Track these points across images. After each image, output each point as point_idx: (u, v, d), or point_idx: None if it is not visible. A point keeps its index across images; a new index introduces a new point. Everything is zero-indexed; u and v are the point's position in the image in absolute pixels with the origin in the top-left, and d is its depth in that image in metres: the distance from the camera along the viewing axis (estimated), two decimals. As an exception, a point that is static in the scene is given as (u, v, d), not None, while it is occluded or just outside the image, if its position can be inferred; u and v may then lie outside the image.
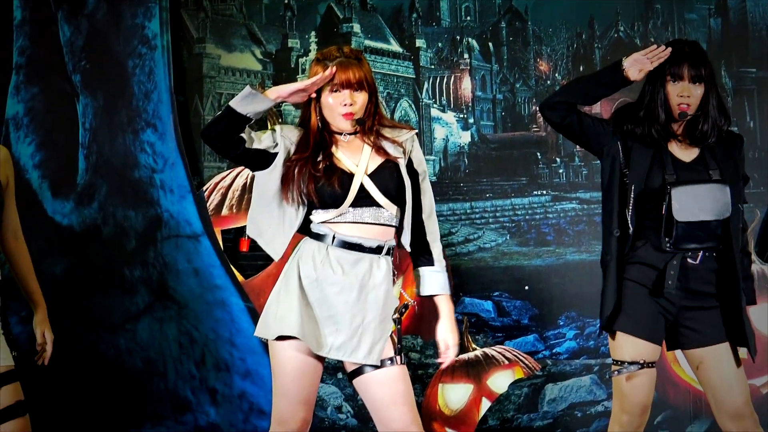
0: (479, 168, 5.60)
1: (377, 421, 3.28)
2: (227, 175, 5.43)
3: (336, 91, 3.19)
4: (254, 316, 5.27)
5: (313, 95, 3.27)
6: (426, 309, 4.17)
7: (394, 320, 3.26)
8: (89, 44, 5.43)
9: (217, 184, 5.43)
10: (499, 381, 5.29)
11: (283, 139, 3.26)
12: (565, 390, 5.28)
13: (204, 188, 5.42)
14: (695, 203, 3.46)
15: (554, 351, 5.36)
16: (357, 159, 3.27)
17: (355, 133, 3.28)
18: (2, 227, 3.53)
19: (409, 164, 3.31)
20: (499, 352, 5.29)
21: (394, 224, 3.24)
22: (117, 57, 5.43)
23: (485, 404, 5.25)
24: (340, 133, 3.26)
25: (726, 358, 3.48)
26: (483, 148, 5.63)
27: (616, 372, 3.56)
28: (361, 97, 3.22)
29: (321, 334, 3.18)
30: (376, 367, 3.23)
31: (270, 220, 3.29)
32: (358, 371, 3.26)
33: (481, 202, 5.54)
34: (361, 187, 3.21)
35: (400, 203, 3.23)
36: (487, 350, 5.29)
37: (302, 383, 3.22)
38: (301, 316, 3.18)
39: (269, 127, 5.04)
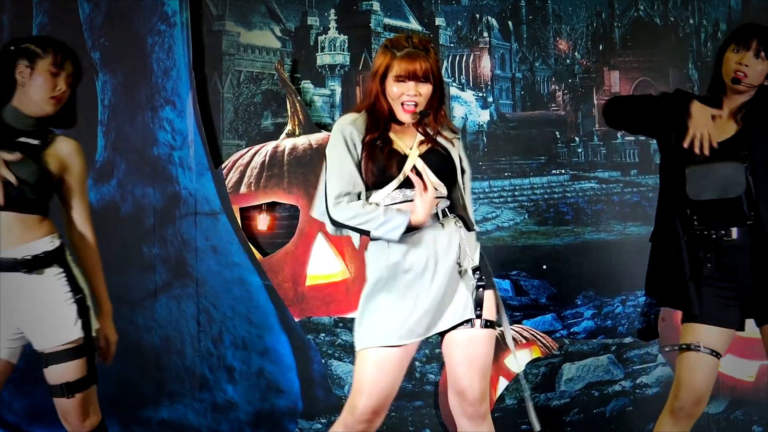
0: (498, 147, 5.50)
1: (448, 380, 3.37)
2: (246, 152, 5.36)
3: (401, 81, 3.21)
4: (272, 293, 5.29)
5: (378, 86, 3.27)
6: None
7: (476, 284, 3.29)
8: (108, 21, 5.36)
9: (235, 161, 5.37)
10: (517, 360, 5.05)
11: (351, 143, 3.26)
12: (583, 369, 5.21)
13: (222, 166, 5.34)
14: (705, 182, 3.49)
15: (572, 330, 5.29)
16: (410, 142, 3.28)
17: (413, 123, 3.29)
18: (69, 226, 3.60)
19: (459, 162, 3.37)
20: (516, 332, 5.21)
21: (440, 195, 3.24)
22: (136, 34, 5.36)
23: (503, 383, 5.20)
24: (402, 121, 3.29)
25: None
26: (502, 126, 5.54)
27: (675, 350, 3.60)
28: (425, 89, 3.23)
29: (414, 321, 3.21)
30: (467, 326, 3.28)
31: None
32: (447, 330, 3.31)
33: (499, 181, 5.45)
34: (414, 167, 3.25)
35: (448, 183, 3.25)
36: (505, 330, 5.16)
37: (381, 381, 3.25)
38: (395, 316, 3.24)
39: (291, 126, 5.30)
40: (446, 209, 3.30)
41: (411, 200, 3.25)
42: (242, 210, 5.30)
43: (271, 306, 5.28)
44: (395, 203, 3.29)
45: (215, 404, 5.25)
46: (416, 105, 3.26)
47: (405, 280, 3.24)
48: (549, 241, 5.30)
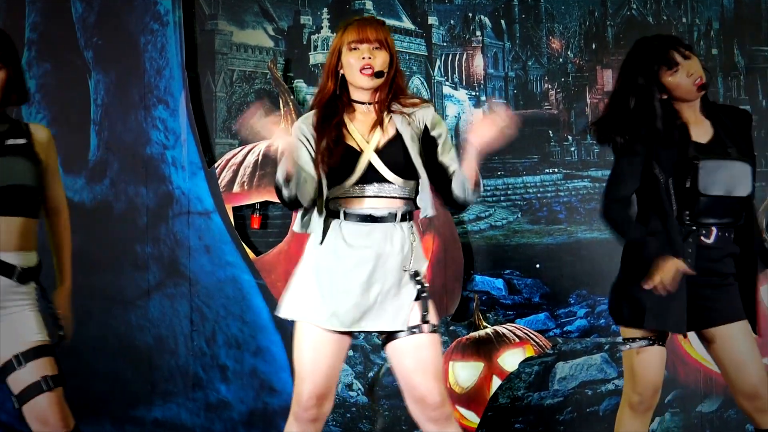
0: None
1: (402, 387, 3.34)
2: (239, 151, 5.32)
3: (355, 49, 3.21)
4: (265, 293, 5.25)
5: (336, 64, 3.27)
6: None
7: (419, 290, 3.26)
8: (101, 20, 5.34)
9: (228, 160, 5.32)
10: (510, 359, 5.24)
11: (304, 138, 3.26)
12: (576, 368, 5.20)
13: (215, 165, 5.32)
14: (719, 178, 3.46)
15: (565, 329, 5.29)
16: (368, 135, 3.25)
17: (370, 102, 3.27)
18: (46, 203, 3.57)
19: (426, 134, 3.28)
20: (509, 330, 5.21)
21: (404, 195, 3.23)
22: (129, 33, 5.35)
23: (496, 382, 5.19)
24: (362, 103, 3.27)
25: (740, 337, 3.46)
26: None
27: (628, 346, 3.54)
28: (381, 56, 3.22)
29: (343, 310, 3.21)
30: (410, 333, 3.26)
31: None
32: (390, 338, 3.30)
33: (492, 180, 5.40)
34: (369, 164, 3.22)
35: (409, 176, 3.22)
36: (497, 328, 5.24)
37: (319, 363, 3.26)
38: (321, 297, 3.24)
39: (284, 125, 5.02)
40: (406, 214, 3.30)
41: (370, 196, 3.25)
42: (235, 209, 5.28)
43: (264, 305, 5.28)
44: (354, 197, 3.27)
45: (208, 403, 5.23)
46: (372, 69, 3.25)
47: (343, 265, 3.23)
48: (542, 240, 5.29)
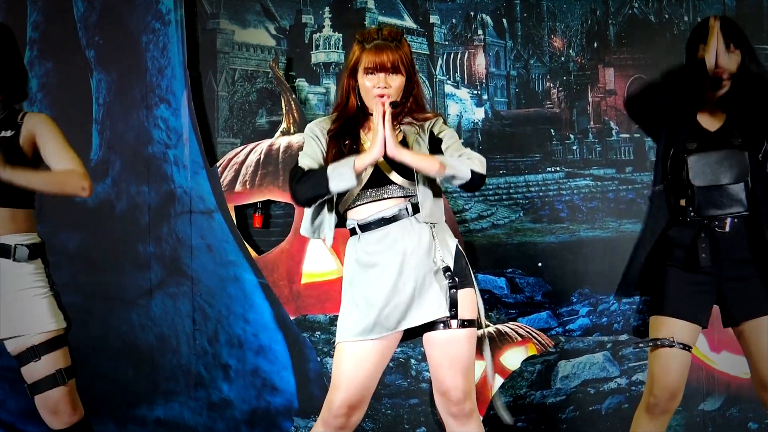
0: (493, 144, 5.44)
1: (435, 384, 3.37)
2: (241, 151, 5.33)
3: (371, 73, 3.25)
4: (267, 292, 5.25)
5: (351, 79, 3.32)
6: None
7: (450, 284, 3.28)
8: (103, 19, 5.34)
9: (230, 159, 5.33)
10: (512, 358, 5.23)
11: (316, 138, 3.33)
12: (578, 367, 5.19)
13: (217, 164, 5.32)
14: (711, 169, 3.49)
15: (567, 328, 5.26)
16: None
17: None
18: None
19: (431, 138, 3.34)
20: (512, 329, 5.19)
21: (409, 194, 3.25)
22: (131, 32, 5.34)
23: (498, 381, 5.17)
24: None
25: (764, 331, 3.49)
26: (496, 124, 5.48)
27: (650, 344, 3.59)
28: (397, 81, 3.26)
29: (383, 317, 3.25)
30: (443, 326, 3.28)
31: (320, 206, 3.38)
32: (427, 329, 3.33)
33: (494, 179, 5.36)
34: (377, 167, 3.25)
35: (413, 178, 3.24)
36: (500, 327, 5.22)
37: (358, 373, 3.29)
38: (360, 314, 3.27)
39: (286, 124, 5.23)
40: (415, 206, 3.29)
41: (376, 200, 3.30)
42: (237, 208, 5.28)
43: (266, 304, 5.28)
44: (363, 203, 3.32)
45: (211, 403, 5.24)
46: (388, 97, 3.26)
47: (371, 274, 3.27)
48: (544, 238, 5.27)
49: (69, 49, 5.30)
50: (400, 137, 3.38)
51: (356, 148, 3.36)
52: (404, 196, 3.31)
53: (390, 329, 3.28)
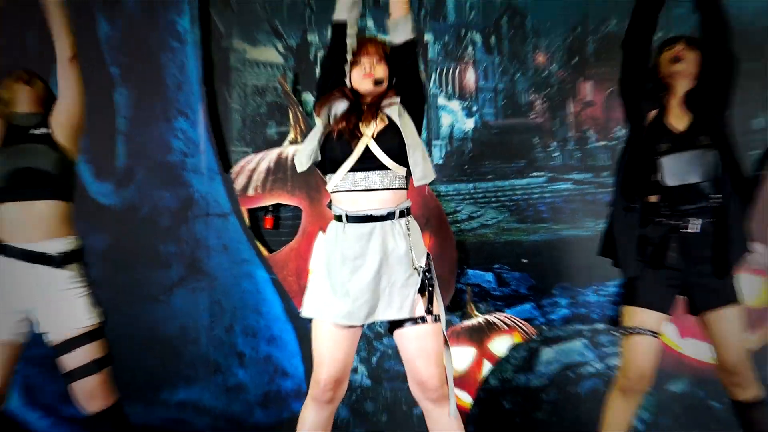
0: (482, 152, 5.53)
1: (407, 371, 3.48)
2: (253, 158, 5.48)
3: (359, 63, 3.44)
4: (278, 287, 5.41)
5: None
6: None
7: (425, 283, 3.41)
8: (126, 39, 5.48)
9: (243, 166, 5.48)
10: (499, 345, 5.38)
11: (325, 114, 3.44)
12: (559, 353, 5.35)
13: (231, 170, 5.47)
14: (682, 169, 3.59)
15: (549, 318, 5.40)
16: (367, 126, 3.40)
17: (371, 104, 3.43)
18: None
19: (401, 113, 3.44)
20: (499, 319, 5.37)
21: (404, 186, 3.39)
22: (151, 51, 5.49)
23: (486, 366, 5.36)
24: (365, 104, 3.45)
25: (728, 321, 3.61)
26: (485, 133, 5.55)
27: (626, 333, 3.68)
28: (381, 68, 3.44)
29: (356, 308, 3.34)
30: (415, 323, 3.39)
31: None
32: (397, 325, 3.43)
33: (483, 183, 5.47)
34: (367, 148, 3.36)
35: (403, 162, 3.35)
36: (488, 317, 5.38)
37: (337, 353, 3.41)
38: (333, 293, 3.39)
39: (294, 134, 5.33)
40: (403, 211, 3.41)
41: (370, 217, 3.37)
42: (250, 211, 5.43)
43: (277, 298, 5.42)
44: (354, 191, 3.38)
45: (227, 387, 5.41)
46: (376, 81, 3.45)
47: (351, 267, 3.37)
48: (528, 237, 5.35)
49: (94, 67, 5.36)
50: (385, 118, 3.46)
51: (351, 130, 3.46)
52: (398, 188, 3.40)
53: (360, 320, 3.39)
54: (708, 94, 3.70)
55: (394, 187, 3.42)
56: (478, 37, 5.60)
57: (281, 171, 5.47)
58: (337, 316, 3.38)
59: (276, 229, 5.49)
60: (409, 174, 3.48)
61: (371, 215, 3.37)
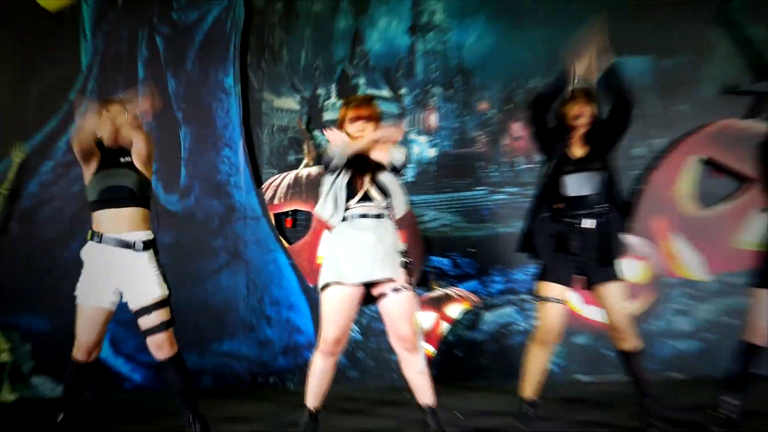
0: (442, 173, 5.85)
1: (390, 331, 3.58)
2: (277, 177, 5.82)
3: (353, 122, 3.58)
4: (295, 269, 5.71)
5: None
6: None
7: (405, 262, 3.54)
8: (187, 92, 5.84)
9: (271, 183, 5.82)
10: (454, 310, 5.74)
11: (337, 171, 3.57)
12: (496, 316, 5.72)
13: (263, 186, 5.79)
14: (579, 184, 3.75)
15: (489, 290, 5.74)
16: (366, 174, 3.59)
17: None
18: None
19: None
20: (454, 292, 5.73)
21: (384, 205, 3.59)
22: (205, 101, 5.84)
23: (444, 325, 5.72)
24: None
25: (613, 293, 3.78)
26: (444, 159, 5.87)
27: (540, 301, 3.82)
28: (370, 127, 3.57)
29: (355, 268, 3.49)
30: (394, 291, 3.50)
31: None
32: (381, 296, 3.55)
33: (443, 195, 5.80)
34: (366, 193, 3.58)
35: (385, 197, 3.60)
36: (446, 290, 5.74)
37: (342, 314, 3.53)
38: (338, 264, 3.51)
39: (307, 160, 5.40)
40: (386, 215, 3.60)
41: (366, 215, 3.55)
42: (276, 214, 5.78)
43: (294, 277, 5.74)
44: (357, 211, 3.57)
45: (259, 341, 5.70)
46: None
47: (359, 244, 3.53)
48: (475, 233, 5.70)
49: (165, 112, 5.65)
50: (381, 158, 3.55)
51: (357, 179, 3.57)
52: (381, 207, 3.60)
53: (365, 276, 3.49)
54: (601, 132, 3.80)
55: (379, 205, 3.60)
56: (439, 90, 5.93)
57: (298, 186, 5.78)
58: (350, 276, 3.48)
59: (294, 227, 5.80)
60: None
61: (366, 214, 3.57)
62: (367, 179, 3.57)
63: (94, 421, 4.60)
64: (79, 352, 3.81)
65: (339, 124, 3.64)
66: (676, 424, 3.96)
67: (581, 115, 3.78)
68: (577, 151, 3.79)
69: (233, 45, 5.85)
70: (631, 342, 3.83)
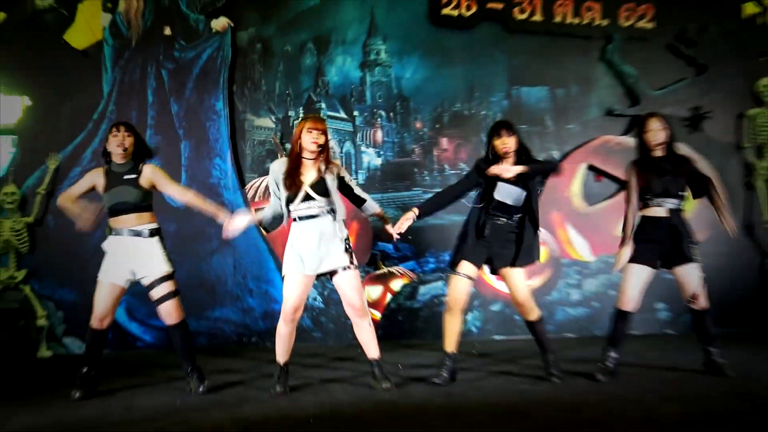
0: (386, 177, 6.28)
1: (344, 301, 3.83)
2: (257, 180, 6.23)
3: (310, 132, 3.78)
4: (272, 252, 6.02)
5: (298, 138, 3.71)
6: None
7: (346, 248, 3.80)
8: (186, 114, 6.18)
9: (252, 185, 6.21)
10: (396, 284, 6.20)
11: (274, 178, 3.76)
12: (429, 289, 6.25)
13: (246, 187, 6.17)
14: (503, 194, 3.98)
15: (424, 269, 6.22)
16: (308, 176, 3.78)
17: (313, 159, 3.79)
18: (174, 197, 4.07)
19: (341, 178, 3.86)
20: (396, 270, 6.23)
21: (325, 206, 3.81)
22: (201, 120, 6.19)
23: (389, 296, 6.19)
24: (309, 159, 3.80)
25: (515, 274, 4.00)
26: (388, 166, 6.32)
27: (451, 275, 4.01)
28: (323, 138, 3.81)
29: (307, 264, 3.78)
30: (343, 269, 3.78)
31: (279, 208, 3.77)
32: (333, 274, 3.82)
33: (387, 193, 6.23)
34: (306, 194, 3.78)
35: (327, 197, 3.80)
36: (390, 269, 6.23)
37: (297, 292, 3.81)
38: (296, 257, 3.78)
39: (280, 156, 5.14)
40: (330, 211, 3.84)
41: (308, 216, 3.78)
42: (256, 209, 5.79)
43: (271, 258, 6.09)
44: (299, 210, 3.82)
45: (243, 309, 6.06)
46: (318, 145, 3.79)
47: (306, 241, 3.79)
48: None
49: (169, 129, 6.11)
50: (322, 174, 3.70)
51: (297, 181, 3.73)
52: (322, 207, 3.83)
53: (312, 270, 3.78)
54: (523, 159, 3.97)
55: (322, 206, 3.82)
56: (383, 113, 6.41)
57: None
58: (300, 269, 3.80)
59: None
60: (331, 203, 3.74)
61: (311, 214, 3.87)
62: (304, 185, 3.75)
63: (113, 373, 4.67)
64: (95, 321, 3.95)
65: (296, 134, 3.83)
66: (570, 373, 4.18)
67: (508, 151, 3.99)
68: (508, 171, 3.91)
69: (222, 77, 6.18)
70: (533, 313, 4.02)
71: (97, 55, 6.14)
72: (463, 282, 3.99)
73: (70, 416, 3.52)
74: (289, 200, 3.80)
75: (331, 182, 3.79)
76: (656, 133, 4.01)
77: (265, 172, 5.95)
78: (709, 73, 6.43)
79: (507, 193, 3.97)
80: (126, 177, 3.93)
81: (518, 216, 3.97)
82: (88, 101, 6.09)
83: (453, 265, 4.03)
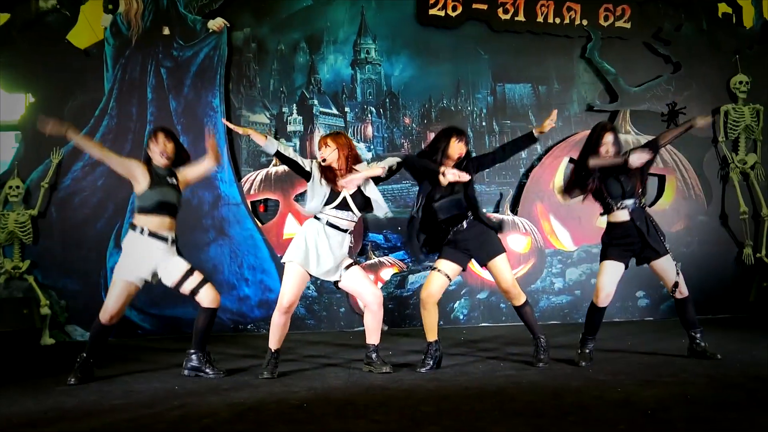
0: None
1: (357, 295, 3.89)
2: (253, 174, 6.24)
3: (322, 146, 3.77)
4: (267, 242, 6.06)
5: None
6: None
7: (351, 255, 3.86)
8: (185, 110, 6.24)
9: (248, 178, 6.22)
10: (386, 274, 6.21)
11: (315, 169, 3.78)
12: (417, 278, 6.24)
13: (242, 180, 6.18)
14: (445, 211, 3.99)
15: (412, 259, 6.26)
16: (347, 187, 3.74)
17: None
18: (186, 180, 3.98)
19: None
20: (386, 260, 6.24)
21: (353, 224, 3.85)
22: (199, 117, 6.23)
23: (380, 285, 6.13)
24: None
25: (498, 264, 3.97)
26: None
27: (429, 268, 4.05)
28: (335, 152, 3.82)
29: (317, 264, 3.76)
30: (346, 269, 3.80)
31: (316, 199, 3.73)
32: (347, 268, 3.83)
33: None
34: (344, 200, 3.78)
35: (362, 211, 3.85)
36: (381, 259, 6.24)
37: (295, 286, 3.79)
38: (306, 253, 3.75)
39: (274, 161, 5.45)
40: (351, 230, 3.82)
41: (337, 227, 3.78)
42: (251, 202, 6.16)
43: (266, 248, 6.13)
44: (331, 216, 3.80)
45: (239, 297, 6.11)
46: (324, 161, 3.75)
47: (326, 246, 3.78)
48: (402, 215, 6.03)
49: (168, 125, 5.70)
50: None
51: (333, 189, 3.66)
52: (353, 221, 3.83)
53: (315, 272, 3.75)
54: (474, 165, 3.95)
55: (352, 219, 3.84)
56: (373, 109, 6.42)
57: (268, 181, 6.20)
58: (310, 266, 3.75)
59: (265, 211, 6.23)
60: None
61: (339, 226, 3.83)
62: (344, 191, 3.72)
63: (113, 359, 4.72)
64: (104, 316, 3.91)
65: (319, 145, 3.91)
66: (553, 359, 4.20)
67: (461, 155, 4.03)
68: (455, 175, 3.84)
69: (219, 75, 6.25)
70: (519, 299, 4.00)
71: (98, 54, 6.22)
72: (441, 279, 3.96)
73: (70, 401, 3.52)
74: (328, 201, 3.78)
75: (373, 191, 3.82)
76: (609, 146, 3.98)
77: (260, 166, 6.23)
78: (685, 69, 6.45)
79: (447, 209, 3.95)
80: (169, 180, 3.94)
81: (469, 214, 3.96)
82: (90, 98, 6.17)
83: (437, 264, 3.98)
